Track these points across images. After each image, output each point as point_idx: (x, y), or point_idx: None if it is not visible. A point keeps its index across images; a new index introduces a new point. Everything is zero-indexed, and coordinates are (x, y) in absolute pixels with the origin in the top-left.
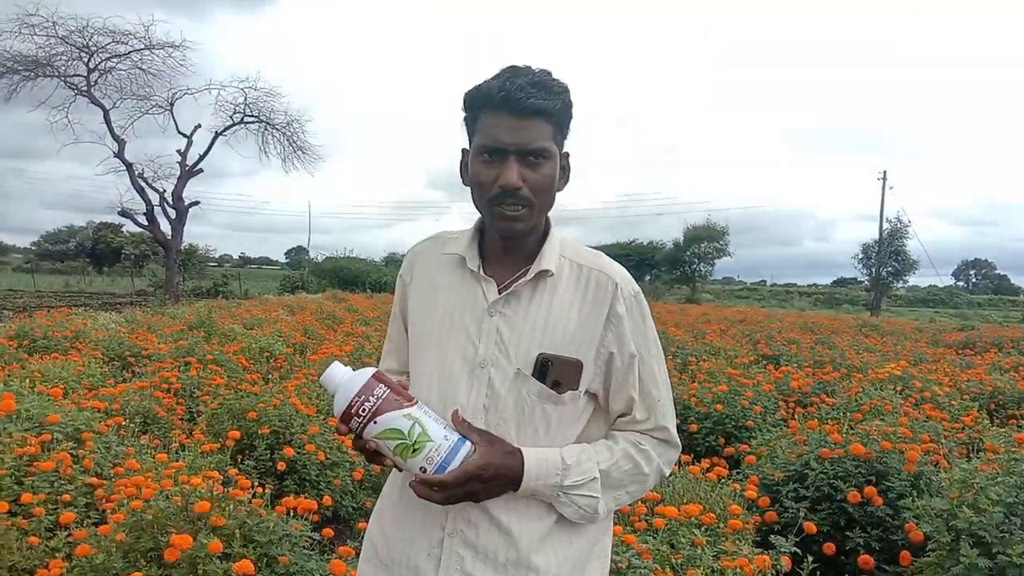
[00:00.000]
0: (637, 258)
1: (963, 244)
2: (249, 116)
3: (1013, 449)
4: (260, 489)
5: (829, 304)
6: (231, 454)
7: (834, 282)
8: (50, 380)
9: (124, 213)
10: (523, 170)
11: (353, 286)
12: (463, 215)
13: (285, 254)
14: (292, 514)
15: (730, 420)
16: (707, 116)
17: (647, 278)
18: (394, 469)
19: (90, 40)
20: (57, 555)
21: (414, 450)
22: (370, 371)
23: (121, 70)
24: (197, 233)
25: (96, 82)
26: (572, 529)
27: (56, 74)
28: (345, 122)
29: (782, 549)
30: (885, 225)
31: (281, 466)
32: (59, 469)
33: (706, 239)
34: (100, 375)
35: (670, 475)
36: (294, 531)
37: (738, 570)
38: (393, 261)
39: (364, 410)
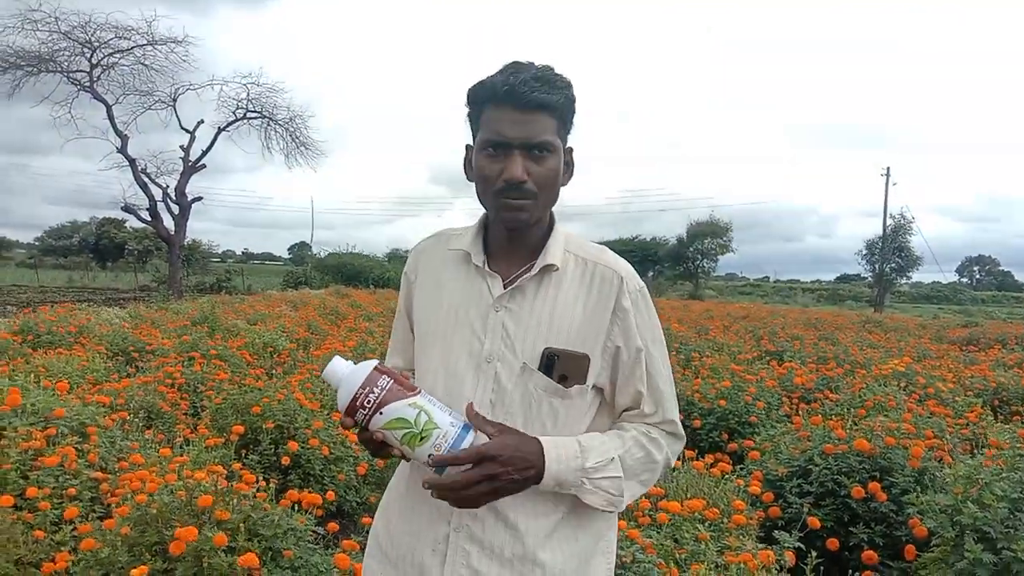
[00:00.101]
0: (640, 254)
1: (967, 240)
2: (252, 112)
3: (1017, 445)
4: (264, 483)
5: (832, 300)
6: (235, 449)
7: (837, 278)
8: (54, 375)
9: (127, 208)
10: (527, 164)
11: (356, 282)
12: (466, 211)
13: (288, 250)
14: (296, 508)
15: (734, 416)
16: (710, 112)
17: (650, 274)
18: (400, 464)
19: (93, 36)
20: (63, 549)
21: (421, 438)
22: (372, 363)
23: (124, 66)
24: (200, 229)
25: (99, 78)
26: (578, 525)
27: (59, 70)
28: (348, 117)
29: (786, 544)
30: (888, 221)
31: (285, 461)
32: (64, 464)
33: (709, 235)
34: (104, 370)
35: (674, 470)
36: (299, 525)
37: (742, 565)
38: (396, 257)
39: (369, 402)
